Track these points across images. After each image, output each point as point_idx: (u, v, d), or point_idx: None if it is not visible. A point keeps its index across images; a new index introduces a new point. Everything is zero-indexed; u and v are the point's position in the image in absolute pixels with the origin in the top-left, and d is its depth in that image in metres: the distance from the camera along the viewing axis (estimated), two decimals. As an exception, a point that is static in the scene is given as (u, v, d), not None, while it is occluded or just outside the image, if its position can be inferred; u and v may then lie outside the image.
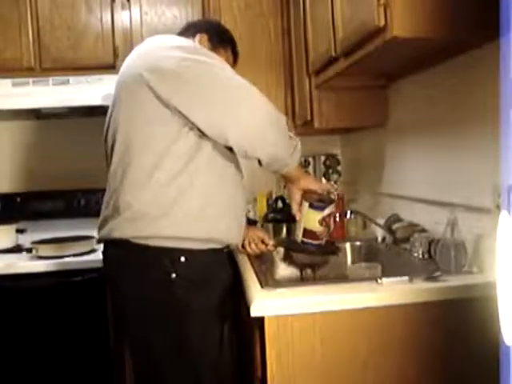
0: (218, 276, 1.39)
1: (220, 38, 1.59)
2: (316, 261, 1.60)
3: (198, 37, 1.54)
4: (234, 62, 1.65)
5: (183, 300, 1.30)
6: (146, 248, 1.29)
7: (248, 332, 1.36)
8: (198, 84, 1.27)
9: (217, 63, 1.33)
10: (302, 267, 1.67)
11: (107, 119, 1.45)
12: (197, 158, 1.31)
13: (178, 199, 1.29)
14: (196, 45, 1.46)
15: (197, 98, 1.27)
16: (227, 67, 1.35)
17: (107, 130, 1.44)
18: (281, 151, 1.37)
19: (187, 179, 1.30)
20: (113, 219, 1.34)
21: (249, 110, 1.28)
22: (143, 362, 1.37)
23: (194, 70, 1.28)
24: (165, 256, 1.29)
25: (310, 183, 1.53)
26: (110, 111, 1.44)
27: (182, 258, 1.30)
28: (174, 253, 1.30)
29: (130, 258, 1.33)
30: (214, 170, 1.35)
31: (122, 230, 1.32)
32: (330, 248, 1.59)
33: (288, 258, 1.67)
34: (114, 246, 1.38)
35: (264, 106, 1.31)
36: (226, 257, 1.45)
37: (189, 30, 1.58)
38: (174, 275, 1.29)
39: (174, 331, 1.30)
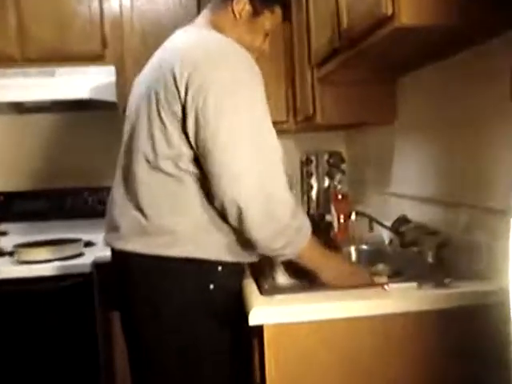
0: (238, 283, 1.42)
1: None
2: None
3: (235, 2, 1.40)
4: (284, 18, 1.52)
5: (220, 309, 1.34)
6: (180, 260, 1.31)
7: (246, 338, 1.37)
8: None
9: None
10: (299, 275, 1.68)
11: None
12: None
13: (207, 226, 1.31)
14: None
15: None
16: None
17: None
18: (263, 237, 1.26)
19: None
20: (139, 235, 1.34)
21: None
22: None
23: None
24: (202, 267, 1.32)
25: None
26: None
27: (220, 268, 1.34)
28: (212, 264, 1.33)
29: (164, 270, 1.33)
30: None
31: (146, 247, 1.33)
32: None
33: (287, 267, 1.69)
34: (140, 258, 1.35)
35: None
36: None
37: None
38: (212, 286, 1.32)
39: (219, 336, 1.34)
